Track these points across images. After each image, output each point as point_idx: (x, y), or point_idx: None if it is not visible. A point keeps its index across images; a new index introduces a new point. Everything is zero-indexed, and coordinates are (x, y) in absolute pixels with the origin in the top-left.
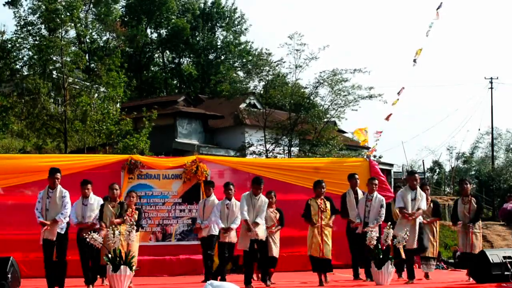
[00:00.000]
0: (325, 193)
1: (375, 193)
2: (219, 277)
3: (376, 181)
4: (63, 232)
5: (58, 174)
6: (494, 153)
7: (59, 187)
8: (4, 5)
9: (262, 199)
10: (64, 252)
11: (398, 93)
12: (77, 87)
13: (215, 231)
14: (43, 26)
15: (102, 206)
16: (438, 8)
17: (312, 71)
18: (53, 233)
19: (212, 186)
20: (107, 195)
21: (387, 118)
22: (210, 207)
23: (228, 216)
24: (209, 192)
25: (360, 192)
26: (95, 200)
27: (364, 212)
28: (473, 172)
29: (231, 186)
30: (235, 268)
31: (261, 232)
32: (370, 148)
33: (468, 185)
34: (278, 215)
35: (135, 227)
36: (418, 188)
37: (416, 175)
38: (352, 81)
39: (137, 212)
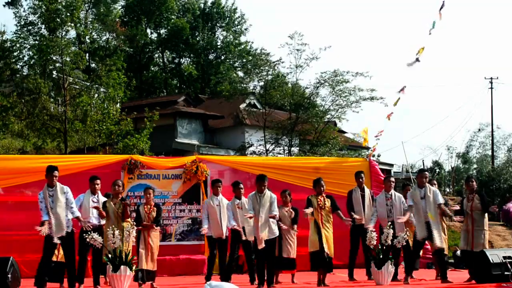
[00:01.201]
0: (325, 191)
1: (393, 191)
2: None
3: (393, 179)
4: (69, 231)
5: (56, 172)
6: (493, 153)
7: (58, 184)
8: (4, 5)
9: (268, 194)
10: (74, 251)
11: (400, 91)
12: (77, 87)
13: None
14: (43, 26)
15: (104, 203)
16: (440, 8)
17: (313, 71)
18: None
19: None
20: (107, 192)
21: (388, 117)
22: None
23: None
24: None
25: (367, 191)
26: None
27: (386, 211)
28: (474, 172)
29: (241, 185)
30: (235, 268)
31: (271, 231)
32: (370, 148)
33: (474, 183)
34: (293, 214)
35: (135, 227)
36: (427, 185)
37: (426, 173)
38: (354, 83)
39: (155, 208)
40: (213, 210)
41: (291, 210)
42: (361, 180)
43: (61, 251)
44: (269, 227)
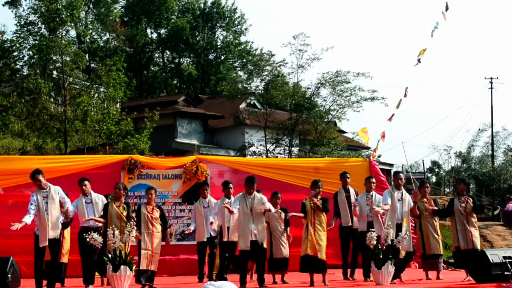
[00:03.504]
0: (321, 192)
1: (373, 192)
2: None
3: (374, 179)
4: (59, 236)
5: (38, 175)
6: (493, 153)
7: (50, 185)
8: (3, 4)
9: (258, 196)
10: (58, 254)
11: (405, 95)
12: (77, 87)
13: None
14: (43, 26)
15: (106, 205)
16: (445, 10)
17: (315, 71)
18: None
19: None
20: (107, 193)
21: (389, 119)
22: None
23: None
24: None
25: (352, 191)
26: (100, 199)
27: (366, 211)
28: (471, 172)
29: (231, 185)
30: (235, 268)
31: (261, 233)
32: (370, 148)
33: (462, 185)
34: (283, 215)
35: (135, 228)
36: (403, 189)
37: (401, 174)
38: (355, 83)
39: (159, 210)
40: (200, 213)
41: (280, 211)
42: (346, 180)
43: (63, 250)
44: (257, 229)
